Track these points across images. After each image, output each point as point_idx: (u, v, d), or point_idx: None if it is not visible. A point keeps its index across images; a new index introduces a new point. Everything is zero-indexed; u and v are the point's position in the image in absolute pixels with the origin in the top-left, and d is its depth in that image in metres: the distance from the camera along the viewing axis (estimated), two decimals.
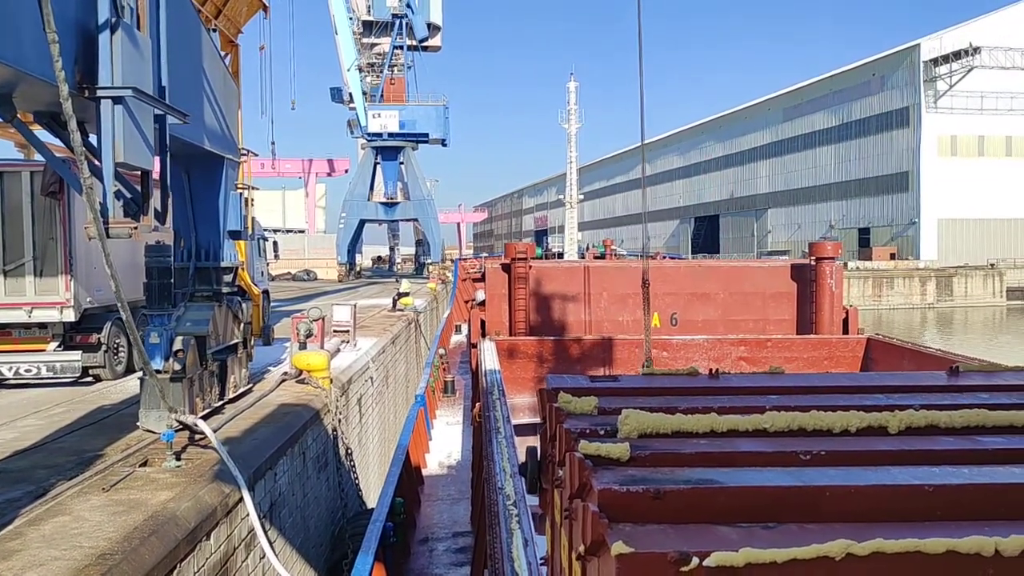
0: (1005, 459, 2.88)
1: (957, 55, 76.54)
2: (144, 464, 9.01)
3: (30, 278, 13.68)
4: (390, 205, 67.80)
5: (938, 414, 3.29)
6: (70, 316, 13.90)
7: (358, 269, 69.83)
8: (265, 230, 32.00)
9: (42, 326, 14.11)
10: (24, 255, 13.60)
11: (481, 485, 9.67)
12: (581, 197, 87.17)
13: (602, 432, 3.21)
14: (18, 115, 8.26)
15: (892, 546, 2.15)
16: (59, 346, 14.21)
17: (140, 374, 10.56)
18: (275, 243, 30.60)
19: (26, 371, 13.82)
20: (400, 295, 31.55)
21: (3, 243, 13.62)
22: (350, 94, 64.21)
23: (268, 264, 28.80)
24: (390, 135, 64.75)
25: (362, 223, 68.78)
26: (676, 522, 2.43)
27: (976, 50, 75.78)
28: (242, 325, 12.73)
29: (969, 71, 76.70)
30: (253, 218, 23.84)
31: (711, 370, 4.38)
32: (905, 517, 2.45)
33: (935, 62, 77.85)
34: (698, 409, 3.48)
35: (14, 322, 13.92)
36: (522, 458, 4.64)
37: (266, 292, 25.26)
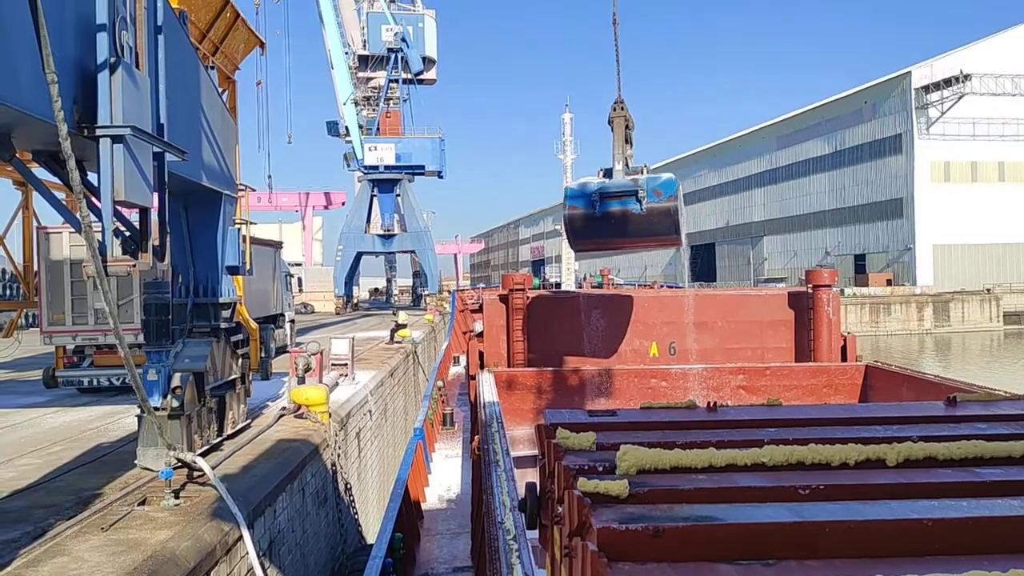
0: (1004, 491, 2.89)
1: (948, 82, 77.22)
2: (143, 503, 8.97)
3: (137, 309, 16.79)
4: (387, 237, 68.00)
5: (936, 446, 3.30)
6: None
7: (355, 301, 69.84)
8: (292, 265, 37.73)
9: (140, 346, 15.94)
10: (132, 292, 17.28)
11: (481, 519, 9.60)
12: None
13: (600, 468, 3.21)
14: (16, 154, 8.31)
15: None
16: None
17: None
18: (299, 279, 35.89)
19: (129, 380, 15.80)
20: (397, 327, 31.52)
21: (118, 285, 16.69)
22: (346, 127, 64.57)
23: (294, 297, 33.73)
24: (386, 167, 65.04)
25: (359, 255, 68.94)
26: (676, 560, 2.43)
27: (967, 77, 76.45)
28: (240, 360, 12.74)
29: (960, 98, 77.29)
30: (280, 257, 29.77)
31: (709, 403, 4.38)
32: (904, 552, 2.45)
33: (926, 89, 78.56)
34: (696, 443, 3.48)
35: None
36: (522, 492, 4.62)
37: (292, 322, 30.61)
